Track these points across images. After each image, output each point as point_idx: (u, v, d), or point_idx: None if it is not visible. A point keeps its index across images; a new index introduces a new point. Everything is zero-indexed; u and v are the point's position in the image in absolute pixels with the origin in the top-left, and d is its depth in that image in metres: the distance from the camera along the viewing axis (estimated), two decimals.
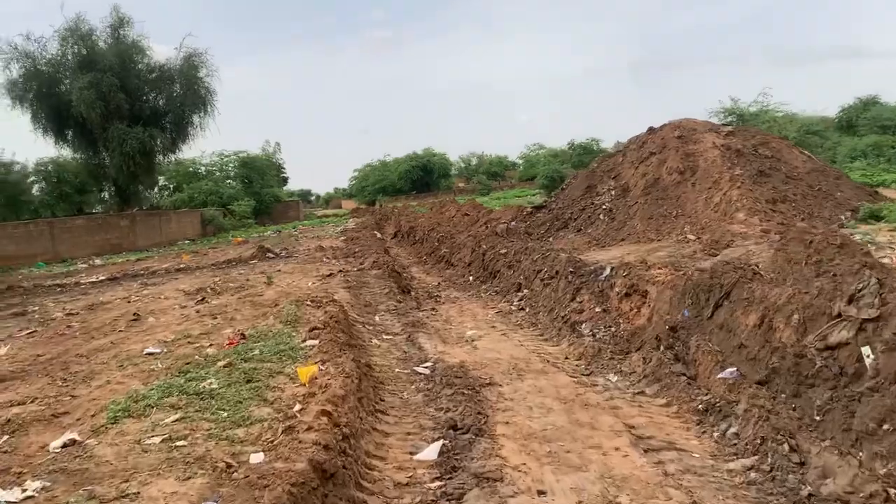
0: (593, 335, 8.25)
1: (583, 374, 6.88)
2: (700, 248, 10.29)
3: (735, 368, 5.80)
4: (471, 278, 13.62)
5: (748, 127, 18.13)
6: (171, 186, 53.20)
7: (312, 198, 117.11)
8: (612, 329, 8.18)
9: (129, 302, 10.86)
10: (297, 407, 4.43)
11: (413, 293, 12.15)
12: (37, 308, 11.08)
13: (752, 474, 4.31)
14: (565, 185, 16.92)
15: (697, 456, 4.65)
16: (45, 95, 29.77)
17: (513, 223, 15.93)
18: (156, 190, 51.70)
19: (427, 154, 75.28)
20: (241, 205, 45.09)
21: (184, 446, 3.85)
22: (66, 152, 33.56)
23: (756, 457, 4.49)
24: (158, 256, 24.44)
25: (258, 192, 50.63)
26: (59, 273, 21.66)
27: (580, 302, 9.25)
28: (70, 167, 36.06)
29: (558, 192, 16.99)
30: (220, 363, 5.78)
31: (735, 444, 4.76)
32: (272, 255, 17.27)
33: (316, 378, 5.10)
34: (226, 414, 4.41)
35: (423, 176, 72.64)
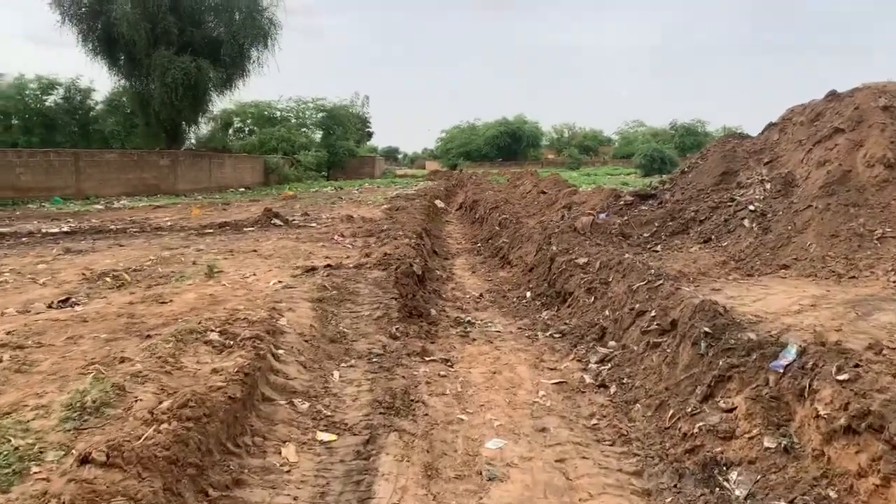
0: None
1: None
2: None
3: None
4: (528, 294, 9.04)
5: None
6: (246, 129, 50.89)
7: (400, 156, 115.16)
8: None
9: None
10: None
11: (431, 314, 7.74)
12: None
13: None
14: (687, 168, 11.62)
15: None
16: (96, 13, 26.97)
17: (602, 215, 11.05)
18: (230, 132, 49.59)
19: (518, 121, 70.70)
20: (308, 156, 41.97)
21: None
22: (116, 80, 30.84)
23: None
24: (182, 205, 21.27)
25: (332, 144, 47.71)
26: (65, 213, 18.92)
27: (726, 409, 4.55)
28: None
29: (675, 177, 11.72)
30: None
31: None
32: (279, 223, 13.27)
33: None
34: None
35: (511, 143, 68.25)
